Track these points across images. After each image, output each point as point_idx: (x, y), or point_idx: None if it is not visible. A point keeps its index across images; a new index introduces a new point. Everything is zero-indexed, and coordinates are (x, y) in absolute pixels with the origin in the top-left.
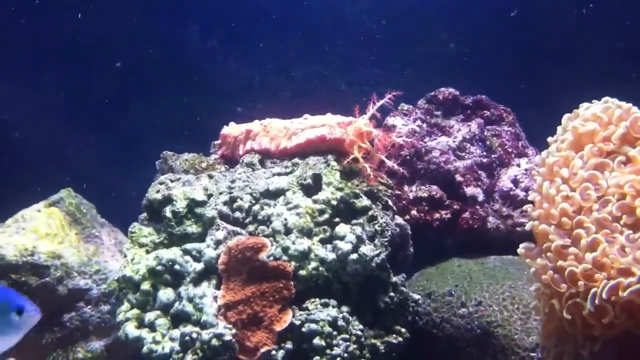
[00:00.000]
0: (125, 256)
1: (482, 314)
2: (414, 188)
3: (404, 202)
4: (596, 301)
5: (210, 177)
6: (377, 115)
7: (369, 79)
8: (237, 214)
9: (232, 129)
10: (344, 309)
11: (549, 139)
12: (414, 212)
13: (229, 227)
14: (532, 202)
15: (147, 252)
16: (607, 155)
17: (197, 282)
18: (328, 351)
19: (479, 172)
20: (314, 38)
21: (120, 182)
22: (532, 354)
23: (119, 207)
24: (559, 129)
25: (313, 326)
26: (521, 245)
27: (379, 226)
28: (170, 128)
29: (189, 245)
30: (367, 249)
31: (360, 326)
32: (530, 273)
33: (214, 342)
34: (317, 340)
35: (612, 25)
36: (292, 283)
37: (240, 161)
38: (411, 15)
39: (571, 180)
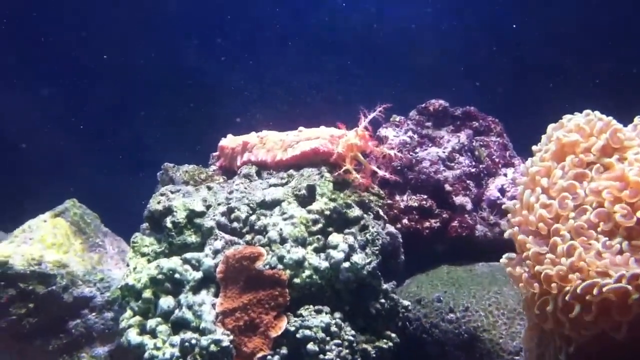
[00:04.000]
0: (127, 265)
1: (469, 319)
2: (405, 197)
3: (395, 211)
4: (567, 298)
5: (209, 188)
6: (368, 128)
7: (364, 90)
8: (235, 224)
9: (229, 141)
10: (337, 315)
11: (534, 148)
12: (405, 220)
13: (227, 236)
14: (511, 211)
15: (149, 261)
16: (587, 166)
17: (196, 290)
18: (321, 356)
19: (468, 181)
20: (312, 51)
21: (123, 192)
22: (516, 358)
23: (122, 217)
24: (544, 138)
25: (307, 332)
26: (504, 256)
27: (370, 235)
28: (171, 139)
29: (188, 255)
30: (358, 258)
31: (353, 332)
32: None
33: (213, 347)
34: (311, 346)
35: (598, 40)
36: (287, 291)
37: (238, 172)
38: (405, 28)
39: (551, 189)
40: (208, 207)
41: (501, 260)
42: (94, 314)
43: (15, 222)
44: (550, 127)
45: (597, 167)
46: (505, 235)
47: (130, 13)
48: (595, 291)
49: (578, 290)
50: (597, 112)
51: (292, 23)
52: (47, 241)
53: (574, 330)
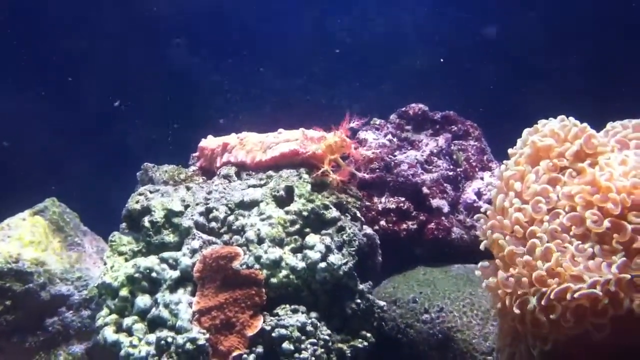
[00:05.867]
0: (105, 264)
1: (444, 320)
2: (383, 199)
3: (373, 212)
4: (542, 302)
5: (188, 188)
6: (347, 132)
7: (347, 93)
8: (213, 224)
9: (209, 142)
10: (313, 314)
11: (510, 151)
12: (382, 222)
13: (205, 236)
14: (485, 214)
15: (126, 260)
16: (560, 171)
17: (173, 289)
18: (297, 355)
19: (445, 184)
20: (295, 53)
21: (104, 191)
22: (489, 358)
23: (102, 216)
24: (519, 141)
25: (283, 331)
26: (479, 265)
27: (347, 236)
28: (153, 139)
29: (166, 254)
30: (335, 258)
31: (328, 331)
32: (484, 287)
33: (188, 346)
34: (286, 345)
35: (576, 45)
36: (263, 290)
37: (218, 173)
38: (388, 32)
39: (524, 193)
40: (186, 207)
41: (476, 272)
42: (71, 312)
43: None
44: (526, 132)
45: (570, 171)
46: (481, 247)
47: (116, 13)
48: (568, 296)
49: (552, 296)
50: (571, 118)
51: (276, 25)
52: (25, 239)
53: (552, 331)
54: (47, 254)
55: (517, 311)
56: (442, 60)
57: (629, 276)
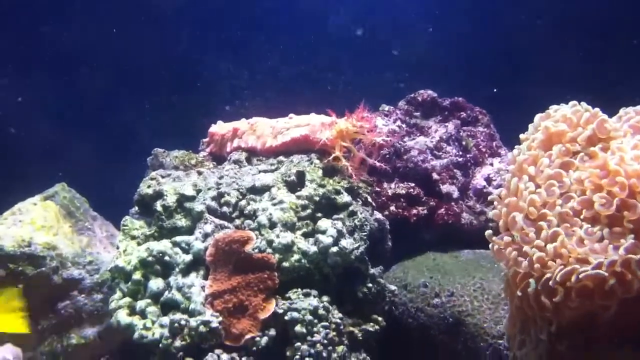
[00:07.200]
0: (117, 248)
1: (454, 304)
2: (392, 185)
3: (383, 198)
4: (550, 283)
5: (199, 173)
6: (361, 119)
7: (353, 79)
8: (225, 209)
9: (220, 128)
10: (325, 298)
11: (522, 136)
12: (392, 207)
13: (217, 221)
14: (496, 199)
15: (139, 244)
16: (573, 155)
17: (185, 272)
18: (309, 337)
19: (455, 170)
20: (301, 40)
21: (111, 177)
22: (500, 341)
23: (110, 201)
24: (531, 127)
25: (295, 314)
26: (493, 238)
27: (358, 221)
28: (160, 126)
29: (178, 238)
30: (347, 243)
31: (340, 315)
32: (493, 250)
33: (202, 328)
34: (298, 328)
35: (584, 34)
36: (275, 274)
37: (228, 158)
38: (394, 19)
39: (537, 177)
40: (198, 191)
41: (490, 242)
42: (83, 295)
43: (3, 206)
44: (538, 117)
45: (582, 155)
46: (490, 214)
47: (122, 2)
48: (573, 278)
49: (557, 278)
50: (583, 103)
51: (282, 12)
52: (37, 223)
53: (556, 312)
54: (58, 238)
55: (519, 293)
56: (448, 47)
57: (636, 257)
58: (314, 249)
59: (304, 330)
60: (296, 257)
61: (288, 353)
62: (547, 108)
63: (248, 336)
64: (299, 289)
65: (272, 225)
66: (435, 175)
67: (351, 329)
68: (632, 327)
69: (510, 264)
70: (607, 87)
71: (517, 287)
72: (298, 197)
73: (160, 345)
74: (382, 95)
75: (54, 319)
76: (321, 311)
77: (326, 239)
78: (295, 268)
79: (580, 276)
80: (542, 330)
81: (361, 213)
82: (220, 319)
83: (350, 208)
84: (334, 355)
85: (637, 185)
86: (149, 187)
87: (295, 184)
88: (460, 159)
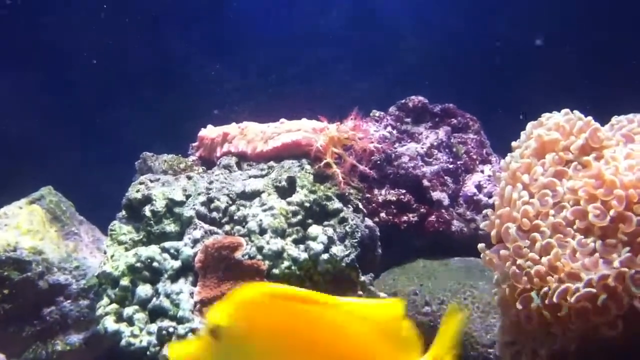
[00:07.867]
0: (105, 253)
1: (445, 312)
2: (383, 192)
3: (373, 204)
4: (546, 301)
5: (189, 178)
6: (357, 128)
7: (345, 84)
8: (214, 214)
9: (209, 131)
10: None
11: (514, 144)
12: (383, 214)
13: (206, 226)
14: (493, 206)
15: (127, 249)
16: (566, 164)
17: (174, 278)
18: None
19: (445, 177)
20: (292, 44)
21: (97, 181)
22: (490, 350)
23: (96, 206)
24: (523, 134)
25: None
26: (484, 250)
27: (349, 228)
28: (149, 129)
29: (167, 244)
30: (337, 249)
31: None
32: (485, 261)
33: (190, 336)
34: None
35: (575, 38)
36: (265, 281)
37: (218, 163)
38: (386, 23)
39: (531, 186)
40: (188, 196)
41: (482, 256)
42: (69, 301)
43: None
44: (530, 125)
45: (575, 165)
46: (482, 225)
47: (111, 3)
48: (570, 299)
49: (554, 298)
50: (576, 112)
51: (273, 15)
52: (23, 227)
53: (559, 328)
54: (44, 242)
55: (519, 307)
56: (441, 52)
57: (631, 270)
58: (304, 255)
59: None
60: (286, 263)
61: None
62: (539, 115)
63: None
64: None
65: (263, 231)
66: (426, 182)
67: None
68: None
69: (510, 279)
70: (600, 94)
71: (515, 300)
72: (289, 203)
73: (148, 352)
74: (375, 100)
75: (39, 325)
76: None
77: (317, 246)
78: (286, 275)
79: (572, 299)
80: (541, 345)
81: (352, 220)
82: None
83: (341, 214)
84: None
85: (634, 197)
86: (137, 191)
87: (285, 190)
88: (450, 166)
